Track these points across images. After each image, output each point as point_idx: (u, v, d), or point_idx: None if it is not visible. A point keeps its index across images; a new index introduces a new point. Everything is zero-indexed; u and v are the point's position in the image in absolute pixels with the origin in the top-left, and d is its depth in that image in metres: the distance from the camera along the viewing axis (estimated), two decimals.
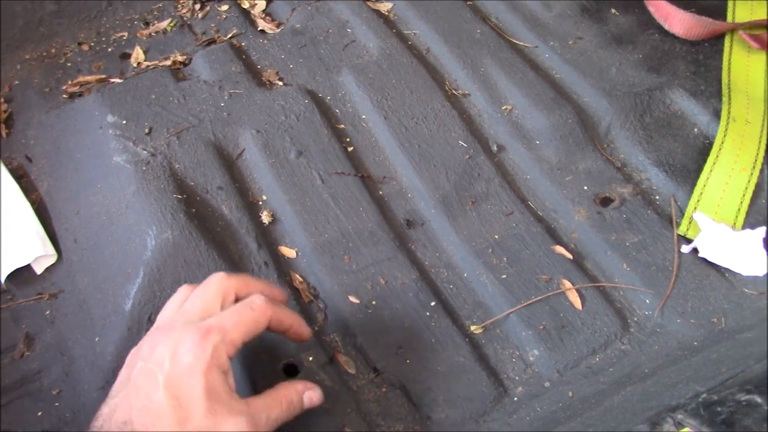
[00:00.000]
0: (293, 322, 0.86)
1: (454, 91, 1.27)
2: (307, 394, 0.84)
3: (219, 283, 0.83)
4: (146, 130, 1.15)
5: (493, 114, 1.24)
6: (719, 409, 0.74)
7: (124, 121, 1.16)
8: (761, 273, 1.02)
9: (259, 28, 1.40)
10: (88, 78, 1.30)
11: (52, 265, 1.06)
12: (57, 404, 0.93)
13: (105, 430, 0.71)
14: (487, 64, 1.29)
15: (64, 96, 1.28)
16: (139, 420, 0.71)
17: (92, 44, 1.38)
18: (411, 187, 1.13)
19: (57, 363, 0.96)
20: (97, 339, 0.97)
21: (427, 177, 1.13)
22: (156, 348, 0.76)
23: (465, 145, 1.17)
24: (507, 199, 1.11)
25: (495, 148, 1.19)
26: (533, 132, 1.20)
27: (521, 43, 1.36)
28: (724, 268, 1.03)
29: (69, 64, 1.34)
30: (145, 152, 1.12)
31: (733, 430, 0.69)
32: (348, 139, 1.19)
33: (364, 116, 1.22)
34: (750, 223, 1.08)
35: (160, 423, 0.71)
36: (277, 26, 1.40)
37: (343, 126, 1.21)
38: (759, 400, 0.73)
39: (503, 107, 1.24)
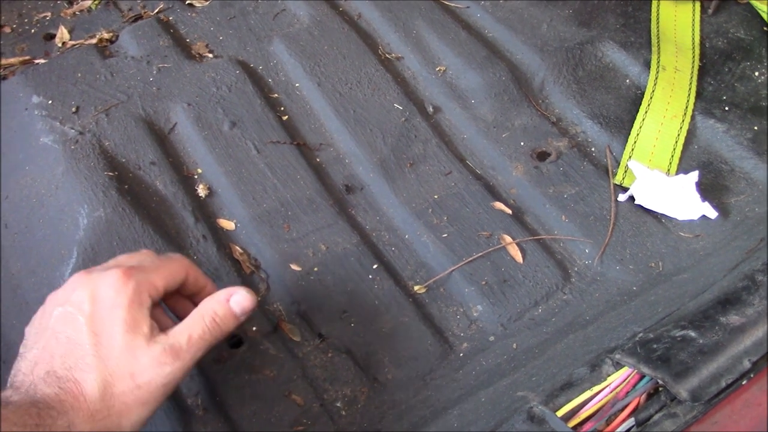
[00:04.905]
0: (206, 282, 0.84)
1: (387, 55, 1.26)
2: (233, 299, 0.78)
3: (180, 261, 0.81)
4: (73, 109, 1.12)
5: (427, 76, 1.23)
6: (655, 346, 0.75)
7: (50, 101, 1.13)
8: (695, 216, 1.03)
9: (187, 2, 1.36)
10: (12, 60, 1.26)
11: None
12: None
13: (28, 382, 0.69)
14: (419, 26, 1.29)
15: None
16: (62, 365, 0.70)
17: (14, 26, 1.34)
18: (348, 153, 1.12)
19: None
20: None
21: (363, 141, 1.12)
22: (73, 293, 0.74)
23: (400, 108, 1.16)
24: (445, 159, 1.11)
25: (431, 109, 1.18)
26: (468, 91, 1.20)
27: (452, 4, 1.35)
28: (660, 213, 1.05)
29: None
30: (73, 131, 1.09)
31: (669, 365, 0.71)
32: (282, 108, 1.17)
33: (297, 84, 1.20)
34: (683, 168, 1.10)
35: (82, 363, 0.70)
36: None
37: (276, 95, 1.19)
38: (693, 334, 0.74)
39: (437, 68, 1.23)
